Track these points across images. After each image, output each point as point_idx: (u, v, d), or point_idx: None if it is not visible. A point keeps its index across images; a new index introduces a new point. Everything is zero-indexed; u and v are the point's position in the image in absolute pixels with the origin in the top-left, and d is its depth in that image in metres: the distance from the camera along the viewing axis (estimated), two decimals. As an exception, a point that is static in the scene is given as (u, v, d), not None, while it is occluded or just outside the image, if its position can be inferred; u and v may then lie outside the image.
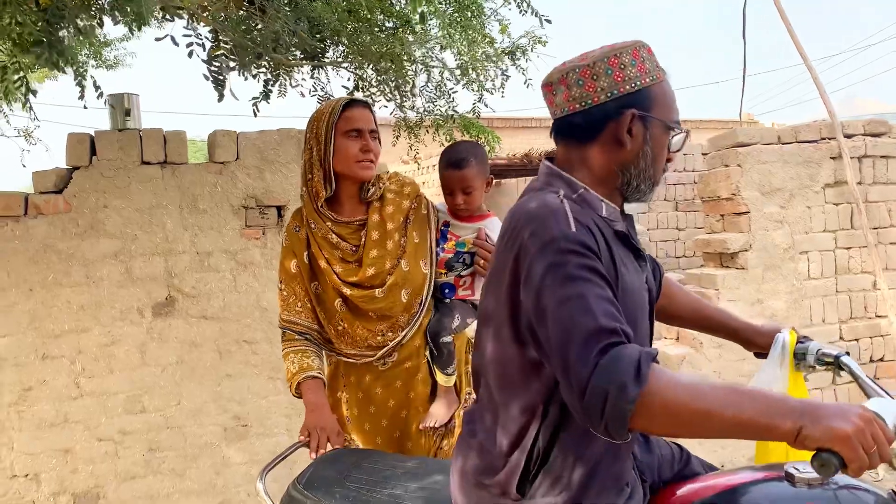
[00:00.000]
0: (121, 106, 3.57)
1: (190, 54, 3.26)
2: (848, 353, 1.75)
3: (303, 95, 4.44)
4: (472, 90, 4.48)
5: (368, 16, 4.12)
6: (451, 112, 4.67)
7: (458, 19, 4.31)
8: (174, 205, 3.43)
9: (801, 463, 1.41)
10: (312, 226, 2.15)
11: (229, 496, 3.55)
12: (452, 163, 2.19)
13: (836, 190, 4.46)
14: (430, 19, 4.28)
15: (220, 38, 3.76)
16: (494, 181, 2.83)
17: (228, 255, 3.53)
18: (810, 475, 1.37)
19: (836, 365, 1.70)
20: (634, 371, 1.12)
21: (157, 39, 3.32)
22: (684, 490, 1.59)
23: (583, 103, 1.37)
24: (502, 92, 4.73)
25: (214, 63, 3.42)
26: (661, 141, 1.41)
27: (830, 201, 4.46)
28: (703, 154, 7.39)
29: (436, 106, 4.73)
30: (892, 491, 1.47)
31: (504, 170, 9.61)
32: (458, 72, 4.54)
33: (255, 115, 4.10)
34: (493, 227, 2.22)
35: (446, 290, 2.22)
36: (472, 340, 2.06)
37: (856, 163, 4.50)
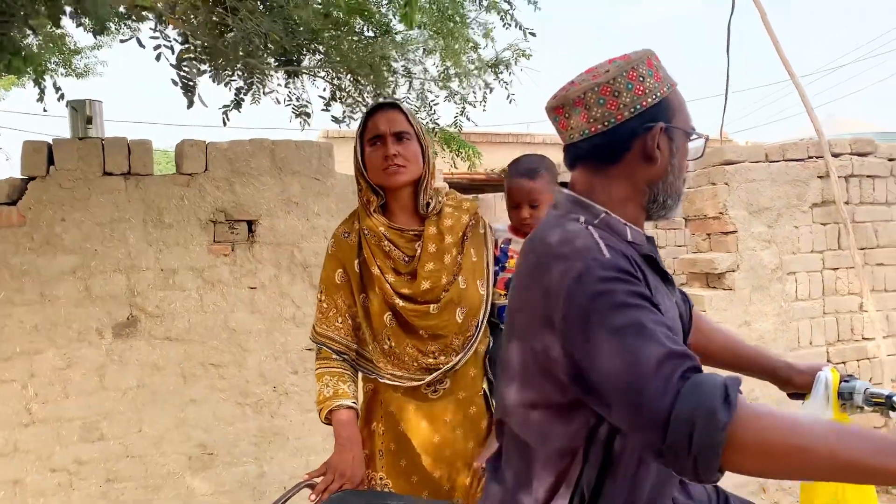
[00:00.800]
0: (82, 113, 3.37)
1: (158, 57, 3.08)
2: None
3: (278, 102, 4.28)
4: (455, 103, 4.35)
5: (347, 19, 3.97)
6: (432, 125, 4.53)
7: (441, 29, 4.18)
8: (138, 219, 3.23)
9: None
10: (366, 232, 1.99)
11: (193, 530, 3.33)
12: (523, 172, 2.07)
13: (823, 209, 4.38)
14: (415, 28, 4.15)
15: (191, 40, 3.59)
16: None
17: (195, 272, 3.32)
18: None
19: (888, 406, 1.55)
20: (722, 395, 0.98)
21: (123, 41, 3.15)
22: None
23: (606, 123, 1.25)
24: (484, 105, 4.61)
25: (184, 67, 3.24)
26: (684, 150, 1.32)
27: (818, 221, 4.38)
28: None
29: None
30: None
31: (483, 184, 9.53)
32: (440, 82, 4.41)
33: (225, 123, 3.93)
34: None
35: (504, 314, 2.06)
36: None
37: (843, 182, 4.43)
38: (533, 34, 4.15)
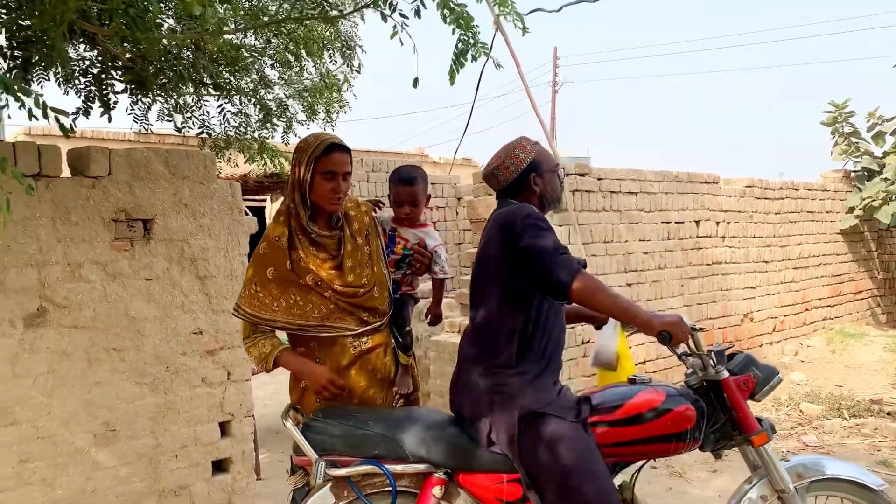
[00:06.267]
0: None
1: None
2: None
3: (130, 115, 4.60)
4: (295, 121, 5.07)
5: (201, 45, 4.48)
6: (266, 138, 5.18)
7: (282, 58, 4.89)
8: (47, 217, 3.48)
9: (637, 375, 2.60)
10: (300, 236, 2.60)
11: (99, 500, 3.65)
12: (405, 181, 2.79)
13: (559, 215, 5.95)
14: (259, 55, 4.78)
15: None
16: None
17: (99, 266, 3.65)
18: (644, 378, 2.55)
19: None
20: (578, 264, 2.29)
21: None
22: None
23: (507, 181, 2.61)
24: (309, 125, 5.39)
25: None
26: (550, 177, 2.63)
27: (555, 224, 5.93)
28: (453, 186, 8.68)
29: (248, 130, 5.18)
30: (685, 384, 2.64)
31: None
32: (277, 103, 5.09)
33: (72, 129, 4.24)
34: (431, 235, 2.87)
35: (393, 287, 2.83)
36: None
37: (570, 194, 6.05)
38: (358, 71, 5.07)
